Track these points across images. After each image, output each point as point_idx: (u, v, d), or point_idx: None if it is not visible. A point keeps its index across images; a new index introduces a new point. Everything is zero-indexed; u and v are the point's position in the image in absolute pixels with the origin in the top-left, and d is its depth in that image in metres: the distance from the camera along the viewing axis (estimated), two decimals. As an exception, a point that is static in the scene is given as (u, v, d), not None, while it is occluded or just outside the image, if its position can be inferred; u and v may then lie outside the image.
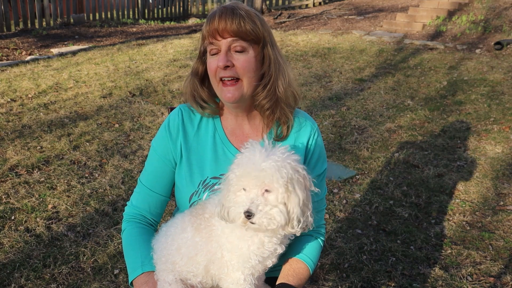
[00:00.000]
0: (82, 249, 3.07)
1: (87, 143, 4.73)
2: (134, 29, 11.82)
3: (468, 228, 3.50)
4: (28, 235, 3.19)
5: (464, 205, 3.82)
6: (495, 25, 10.19)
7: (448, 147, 5.02)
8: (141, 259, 1.48)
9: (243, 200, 1.25)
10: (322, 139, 1.62)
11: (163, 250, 1.41)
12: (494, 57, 8.68)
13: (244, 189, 1.26)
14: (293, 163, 1.26)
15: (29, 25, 10.66)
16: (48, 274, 2.82)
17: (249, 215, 1.23)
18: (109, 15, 12.68)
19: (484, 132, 5.37)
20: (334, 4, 15.35)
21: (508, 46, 9.05)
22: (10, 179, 3.92)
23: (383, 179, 4.27)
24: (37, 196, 3.68)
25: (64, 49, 8.94)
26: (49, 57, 8.22)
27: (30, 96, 6.06)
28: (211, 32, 1.41)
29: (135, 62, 8.12)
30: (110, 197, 3.73)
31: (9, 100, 5.85)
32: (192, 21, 13.92)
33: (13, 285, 2.71)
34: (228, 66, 1.40)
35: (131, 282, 1.48)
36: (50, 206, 3.56)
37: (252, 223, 1.23)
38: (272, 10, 14.99)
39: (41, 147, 4.57)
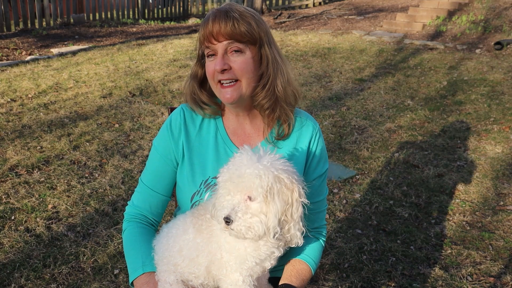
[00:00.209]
0: (82, 249, 3.07)
1: (87, 143, 4.73)
2: (134, 29, 11.82)
3: (468, 228, 3.50)
4: (28, 235, 3.19)
5: (464, 205, 3.82)
6: (495, 25, 10.20)
7: (448, 147, 5.02)
8: (142, 259, 1.48)
9: (226, 205, 1.24)
10: (323, 140, 1.62)
11: (164, 251, 1.41)
12: (494, 57, 8.69)
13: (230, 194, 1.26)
14: (277, 172, 1.22)
15: (29, 25, 10.65)
16: (48, 274, 2.82)
17: (227, 221, 1.22)
18: (109, 15, 12.68)
19: (484, 132, 5.38)
20: (334, 4, 15.35)
21: (508, 46, 9.05)
22: (10, 179, 3.92)
23: (383, 179, 4.27)
24: (37, 196, 3.68)
25: (64, 49, 8.94)
26: (49, 57, 8.22)
27: (30, 96, 6.06)
28: (206, 36, 1.40)
29: (135, 62, 8.12)
30: (110, 197, 3.73)
31: (9, 100, 5.85)
32: (192, 21, 13.92)
33: (13, 285, 2.71)
34: (225, 70, 1.40)
35: (132, 282, 1.48)
36: (50, 206, 3.56)
37: (231, 229, 1.23)
38: (272, 10, 14.99)
39: (41, 147, 4.57)
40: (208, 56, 1.45)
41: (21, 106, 5.66)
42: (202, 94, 1.53)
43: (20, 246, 3.07)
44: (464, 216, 3.66)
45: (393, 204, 3.82)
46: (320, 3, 15.84)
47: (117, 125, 5.27)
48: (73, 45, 9.44)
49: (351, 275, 2.93)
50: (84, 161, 4.34)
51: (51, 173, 4.07)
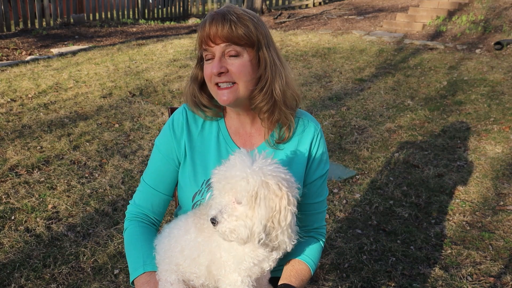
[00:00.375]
0: (82, 249, 3.07)
1: (87, 143, 4.73)
2: (134, 29, 11.82)
3: (468, 228, 3.50)
4: (28, 235, 3.19)
5: (464, 205, 3.82)
6: (495, 25, 10.20)
7: (448, 147, 5.02)
8: (143, 258, 1.48)
9: (215, 206, 1.25)
10: (325, 141, 1.62)
11: (166, 251, 1.41)
12: (494, 57, 8.69)
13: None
14: (265, 177, 1.20)
15: (29, 25, 10.65)
16: (48, 274, 2.82)
17: (213, 222, 1.22)
18: (109, 15, 12.68)
19: (484, 132, 5.38)
20: (334, 4, 15.36)
21: (508, 46, 9.05)
22: (10, 179, 3.92)
23: (383, 179, 4.27)
24: (37, 196, 3.68)
25: (64, 49, 8.94)
26: (49, 57, 8.22)
27: (30, 96, 6.06)
28: (204, 38, 1.40)
29: (135, 62, 8.12)
30: (110, 197, 3.73)
31: (9, 100, 5.85)
32: (192, 21, 13.93)
33: (13, 285, 2.72)
34: (222, 73, 1.39)
35: (132, 281, 1.48)
36: (50, 206, 3.56)
37: (217, 230, 1.23)
38: (272, 10, 14.99)
39: (41, 147, 4.57)
40: (206, 59, 1.44)
41: (21, 106, 5.66)
42: (202, 97, 1.53)
43: (20, 246, 3.07)
44: (464, 216, 3.66)
45: (393, 204, 3.82)
46: (320, 3, 15.84)
47: (117, 125, 5.27)
48: (73, 45, 9.44)
49: (351, 275, 2.93)
50: (84, 161, 4.34)
51: (51, 173, 4.07)
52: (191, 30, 11.92)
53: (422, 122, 5.76)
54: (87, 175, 4.09)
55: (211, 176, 1.30)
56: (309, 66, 8.31)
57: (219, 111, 1.57)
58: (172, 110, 1.80)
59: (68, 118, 5.37)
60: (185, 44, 9.65)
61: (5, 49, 8.61)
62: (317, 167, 1.57)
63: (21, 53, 8.53)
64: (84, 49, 9.00)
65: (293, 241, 1.28)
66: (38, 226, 3.29)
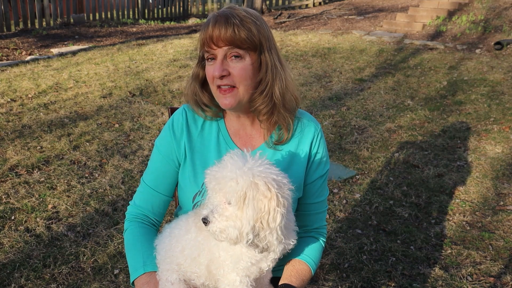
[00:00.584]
0: (82, 249, 3.07)
1: (87, 143, 4.73)
2: (134, 29, 11.82)
3: (468, 228, 3.50)
4: (28, 235, 3.19)
5: (464, 205, 3.82)
6: (495, 25, 10.20)
7: (448, 147, 5.02)
8: (143, 259, 1.48)
9: (207, 206, 1.25)
10: (325, 141, 1.62)
11: (167, 251, 1.41)
12: (494, 57, 8.69)
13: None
14: (254, 178, 1.19)
15: (29, 25, 10.65)
16: (48, 274, 2.82)
17: (204, 221, 1.23)
18: (109, 15, 12.68)
19: (484, 132, 5.38)
20: (334, 4, 15.35)
21: (508, 46, 9.05)
22: (10, 179, 3.92)
23: (383, 179, 4.27)
24: (37, 196, 3.68)
25: (64, 49, 8.94)
26: (49, 57, 8.22)
27: (30, 96, 6.06)
28: (206, 40, 1.40)
29: (135, 62, 8.12)
30: (110, 197, 3.74)
31: (9, 100, 5.85)
32: (192, 21, 13.93)
33: (13, 285, 2.72)
34: (224, 76, 1.39)
35: (133, 282, 1.48)
36: (50, 206, 3.56)
37: (208, 230, 1.24)
38: (272, 10, 14.99)
39: (41, 147, 4.57)
40: (208, 60, 1.44)
41: (21, 106, 5.66)
42: (204, 96, 1.53)
43: (20, 246, 3.07)
44: (464, 216, 3.66)
45: (393, 204, 3.82)
46: (320, 3, 15.84)
47: (117, 125, 5.27)
48: (73, 45, 9.44)
49: (351, 275, 2.93)
50: (84, 161, 4.34)
51: (51, 173, 4.07)
52: (191, 30, 11.92)
53: (422, 122, 5.76)
54: (87, 175, 4.09)
55: (205, 176, 1.30)
56: (309, 66, 8.31)
57: (219, 111, 1.57)
58: (172, 110, 1.80)
59: (68, 118, 5.37)
60: (185, 44, 9.65)
61: (5, 49, 8.61)
62: (317, 167, 1.57)
63: (21, 53, 8.53)
64: (84, 49, 9.00)
65: (293, 242, 1.28)
66: (38, 226, 3.29)
